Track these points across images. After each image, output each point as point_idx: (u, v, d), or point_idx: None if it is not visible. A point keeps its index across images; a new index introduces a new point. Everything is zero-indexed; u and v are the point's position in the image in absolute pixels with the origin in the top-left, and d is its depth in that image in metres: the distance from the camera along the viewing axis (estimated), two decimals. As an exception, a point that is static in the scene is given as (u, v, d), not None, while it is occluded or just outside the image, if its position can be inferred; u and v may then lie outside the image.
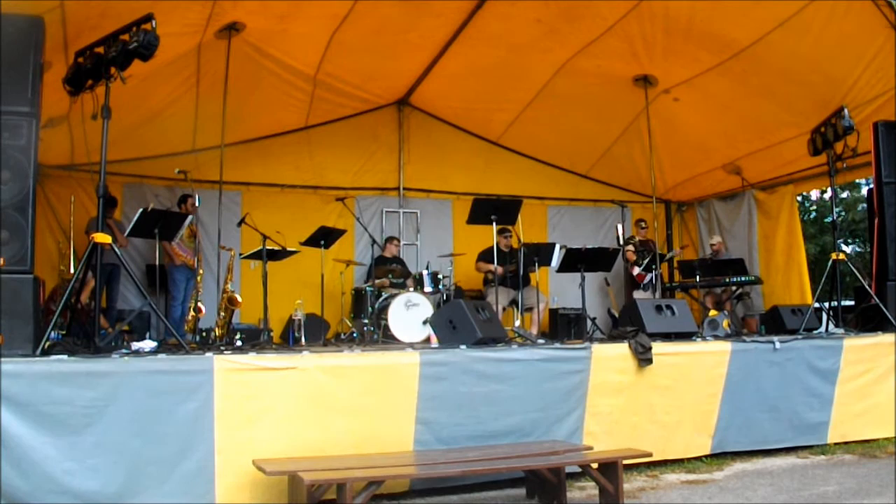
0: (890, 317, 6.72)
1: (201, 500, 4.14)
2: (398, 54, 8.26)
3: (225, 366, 4.32)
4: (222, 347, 5.73)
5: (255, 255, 7.00)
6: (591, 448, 4.80)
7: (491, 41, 7.82)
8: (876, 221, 7.18)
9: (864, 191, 17.57)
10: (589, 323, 7.59)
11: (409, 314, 7.49)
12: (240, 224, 7.50)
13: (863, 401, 6.22)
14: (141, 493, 4.01)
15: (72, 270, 7.13)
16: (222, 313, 6.93)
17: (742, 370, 5.79)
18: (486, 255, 8.31)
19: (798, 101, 7.84)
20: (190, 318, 6.90)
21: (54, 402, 3.88)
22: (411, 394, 4.73)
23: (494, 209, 7.08)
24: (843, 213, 20.46)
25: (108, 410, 3.98)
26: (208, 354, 4.49)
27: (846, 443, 6.11)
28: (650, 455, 4.87)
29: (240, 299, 7.06)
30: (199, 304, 6.94)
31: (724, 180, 10.23)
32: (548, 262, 8.06)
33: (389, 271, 8.57)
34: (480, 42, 7.86)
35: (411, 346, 6.04)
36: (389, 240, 9.31)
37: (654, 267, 9.00)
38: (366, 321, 7.98)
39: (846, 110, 6.86)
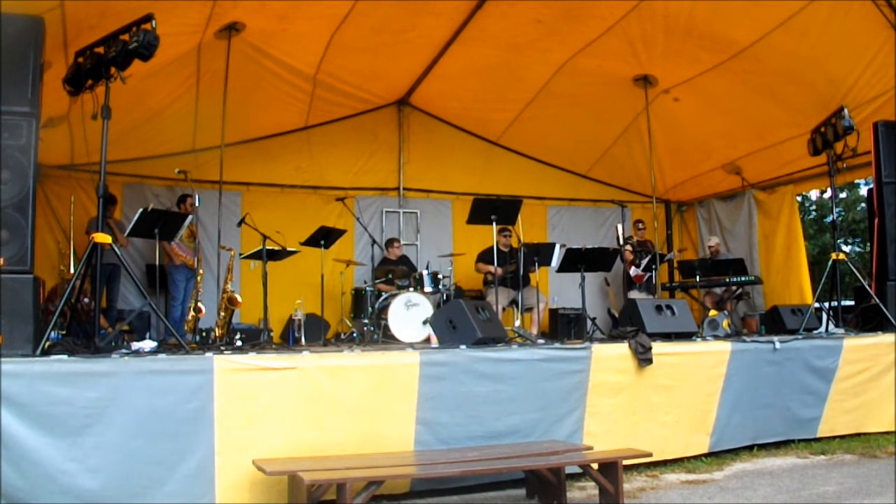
0: (890, 317, 6.73)
1: (201, 500, 4.14)
2: (398, 54, 8.26)
3: (225, 366, 4.31)
4: (222, 347, 5.73)
5: (255, 255, 7.00)
6: (591, 448, 4.80)
7: (491, 41, 7.82)
8: (876, 221, 7.19)
9: (864, 191, 17.56)
10: (589, 323, 7.58)
11: (409, 314, 7.50)
12: (240, 224, 7.49)
13: (856, 397, 6.25)
14: (141, 494, 4.01)
15: (72, 270, 7.13)
16: (222, 313, 6.92)
17: (742, 370, 5.80)
18: (485, 256, 8.31)
19: (798, 101, 7.85)
20: (190, 318, 6.88)
21: (54, 403, 3.87)
22: (411, 394, 4.73)
23: (494, 209, 7.08)
24: (843, 213, 20.45)
25: (108, 410, 3.98)
26: (208, 354, 4.49)
27: (845, 441, 6.12)
28: (650, 455, 4.88)
29: (240, 299, 7.05)
30: (199, 304, 6.93)
31: (724, 180, 10.23)
32: (548, 262, 8.06)
33: (390, 271, 8.56)
34: (480, 42, 7.86)
35: (411, 346, 6.04)
36: (391, 242, 9.27)
37: (654, 267, 9.00)
38: (366, 321, 7.98)
39: (846, 110, 6.86)
